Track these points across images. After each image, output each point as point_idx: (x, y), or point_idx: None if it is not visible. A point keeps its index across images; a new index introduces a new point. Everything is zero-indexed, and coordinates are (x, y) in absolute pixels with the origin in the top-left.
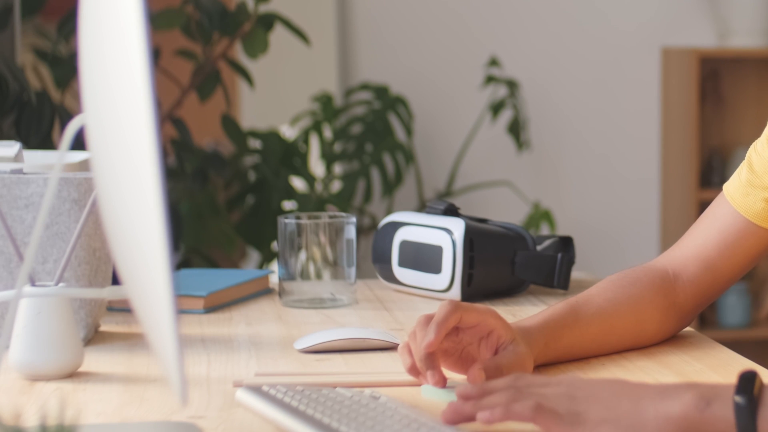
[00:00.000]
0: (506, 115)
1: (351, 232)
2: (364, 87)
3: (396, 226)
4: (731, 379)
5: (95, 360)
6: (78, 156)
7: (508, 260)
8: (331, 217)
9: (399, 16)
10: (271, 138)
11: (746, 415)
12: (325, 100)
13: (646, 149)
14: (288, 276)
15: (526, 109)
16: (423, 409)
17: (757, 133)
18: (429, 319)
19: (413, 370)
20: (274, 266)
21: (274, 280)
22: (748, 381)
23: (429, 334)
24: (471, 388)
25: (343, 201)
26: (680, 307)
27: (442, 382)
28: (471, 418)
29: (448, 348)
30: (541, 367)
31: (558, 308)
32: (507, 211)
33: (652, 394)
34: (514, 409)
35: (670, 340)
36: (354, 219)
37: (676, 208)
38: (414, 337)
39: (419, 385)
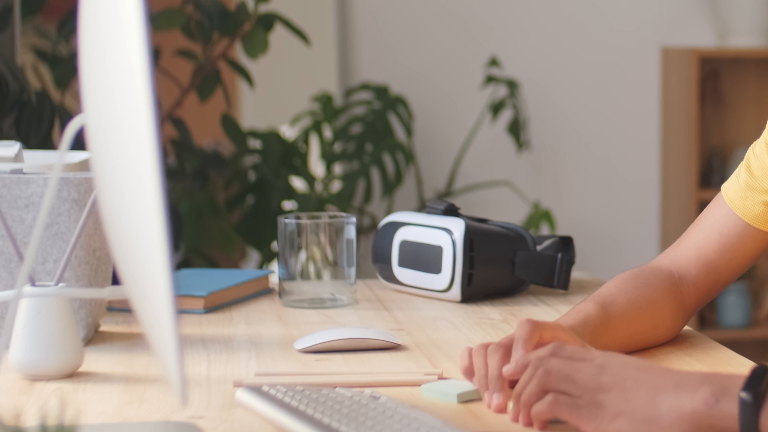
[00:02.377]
0: (506, 115)
1: (351, 232)
2: (364, 87)
3: (396, 226)
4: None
5: (95, 360)
6: (78, 156)
7: (508, 260)
8: (331, 217)
9: (399, 16)
10: (271, 138)
11: (750, 412)
12: (325, 100)
13: (646, 149)
14: (288, 276)
15: (526, 109)
16: (423, 409)
17: (757, 134)
18: (499, 345)
19: (469, 371)
20: (274, 266)
21: (274, 280)
22: (757, 377)
23: (517, 350)
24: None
25: (343, 201)
26: (686, 309)
27: (504, 409)
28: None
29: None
30: None
31: (590, 309)
32: (507, 211)
33: (670, 386)
34: (533, 414)
35: (670, 339)
36: (354, 219)
37: (676, 208)
38: (480, 354)
39: (419, 385)
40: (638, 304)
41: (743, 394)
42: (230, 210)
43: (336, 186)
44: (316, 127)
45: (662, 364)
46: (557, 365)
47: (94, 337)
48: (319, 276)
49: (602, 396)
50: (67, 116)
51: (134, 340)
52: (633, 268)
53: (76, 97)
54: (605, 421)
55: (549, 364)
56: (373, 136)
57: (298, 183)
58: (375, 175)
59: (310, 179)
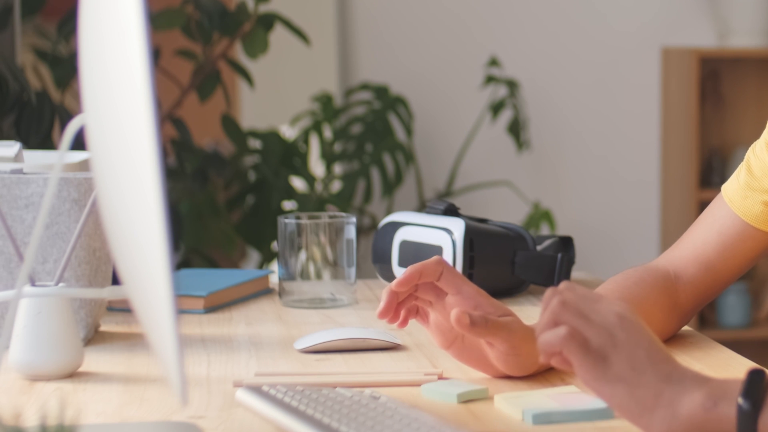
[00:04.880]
0: (506, 115)
1: (351, 232)
2: (364, 87)
3: (396, 226)
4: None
5: (95, 360)
6: (78, 156)
7: (508, 260)
8: (331, 217)
9: (399, 16)
10: (271, 138)
11: (748, 419)
12: (325, 100)
13: (646, 149)
14: (288, 276)
15: (526, 109)
16: (423, 409)
17: (757, 134)
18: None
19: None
20: (274, 266)
21: (274, 280)
22: (754, 382)
23: (402, 275)
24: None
25: (343, 201)
26: (681, 308)
27: (396, 321)
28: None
29: (438, 322)
30: (549, 370)
31: None
32: (507, 211)
33: (676, 379)
34: (543, 339)
35: (670, 339)
36: (354, 219)
37: (676, 208)
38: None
39: (419, 384)
40: (625, 302)
41: (741, 401)
42: (230, 210)
43: (336, 186)
44: (316, 127)
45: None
46: (573, 299)
47: (94, 337)
48: (319, 276)
49: (611, 351)
50: (67, 116)
51: (134, 340)
52: (629, 268)
53: (76, 97)
54: (606, 379)
55: (564, 295)
56: (373, 136)
57: (298, 183)
58: (375, 175)
59: (310, 179)
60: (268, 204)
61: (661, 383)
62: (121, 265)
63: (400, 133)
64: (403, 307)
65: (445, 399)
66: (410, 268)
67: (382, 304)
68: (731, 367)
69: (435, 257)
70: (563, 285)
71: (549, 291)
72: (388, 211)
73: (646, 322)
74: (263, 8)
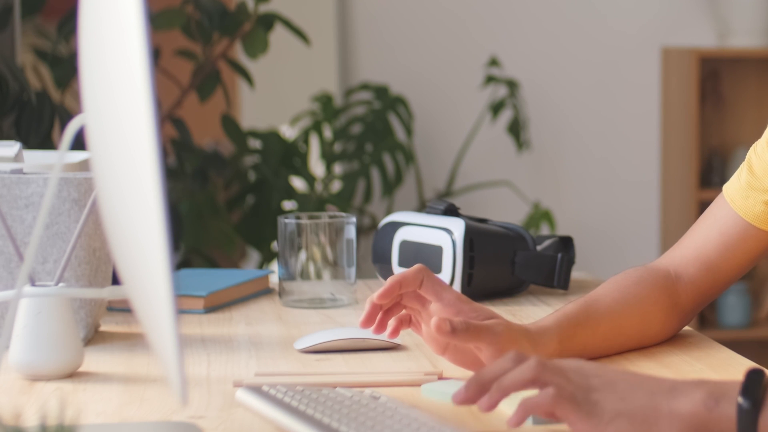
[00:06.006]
0: (506, 115)
1: (351, 232)
2: (364, 87)
3: (396, 226)
4: (731, 378)
5: (95, 360)
6: (78, 156)
7: (508, 260)
8: (331, 217)
9: (399, 16)
10: (271, 138)
11: (748, 417)
12: (325, 100)
13: (646, 149)
14: (288, 276)
15: (526, 109)
16: (423, 409)
17: (757, 134)
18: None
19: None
20: (274, 266)
21: (274, 280)
22: (754, 381)
23: (382, 287)
24: (485, 372)
25: (343, 201)
26: (682, 308)
27: (382, 331)
28: (492, 401)
29: (429, 330)
30: None
31: (569, 308)
32: (507, 211)
33: (665, 389)
34: (533, 402)
35: (670, 339)
36: (354, 219)
37: (676, 208)
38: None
39: (419, 384)
40: (625, 301)
41: (741, 400)
42: (230, 210)
43: (336, 186)
44: (316, 127)
45: (663, 362)
46: (547, 359)
47: (94, 337)
48: (319, 276)
49: (596, 395)
50: (67, 116)
51: (134, 340)
52: (630, 268)
53: (76, 97)
54: (604, 421)
55: (539, 357)
56: (373, 136)
57: (298, 183)
58: (375, 175)
59: (310, 179)
60: (268, 204)
61: (653, 398)
62: (121, 265)
63: (400, 133)
64: (390, 316)
65: (445, 399)
66: (390, 279)
67: (363, 314)
68: (731, 367)
69: (416, 265)
70: (514, 353)
71: (512, 353)
72: (388, 211)
73: (646, 322)
74: (263, 8)
